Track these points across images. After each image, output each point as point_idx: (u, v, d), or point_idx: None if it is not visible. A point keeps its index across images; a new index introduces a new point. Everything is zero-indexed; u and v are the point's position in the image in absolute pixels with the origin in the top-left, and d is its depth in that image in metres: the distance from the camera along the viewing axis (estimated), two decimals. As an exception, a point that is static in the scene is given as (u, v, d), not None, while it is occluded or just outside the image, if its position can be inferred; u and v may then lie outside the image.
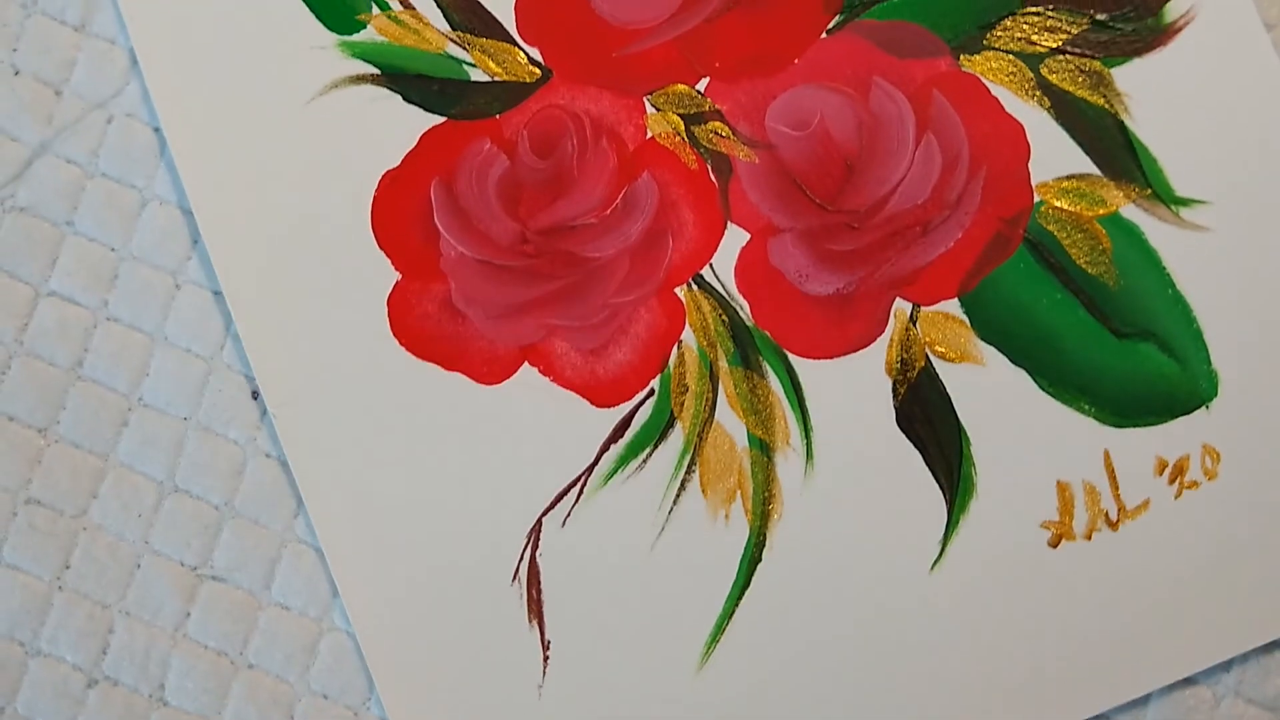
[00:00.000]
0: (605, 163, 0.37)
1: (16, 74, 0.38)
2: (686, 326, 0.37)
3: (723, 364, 0.37)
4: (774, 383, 0.37)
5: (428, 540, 0.37)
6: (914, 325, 0.37)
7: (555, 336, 0.37)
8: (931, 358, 0.37)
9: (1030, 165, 0.37)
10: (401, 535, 0.37)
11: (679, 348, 0.37)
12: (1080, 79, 0.37)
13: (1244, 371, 0.36)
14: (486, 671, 0.36)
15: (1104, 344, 0.37)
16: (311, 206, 0.37)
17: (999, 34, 0.37)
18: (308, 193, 0.37)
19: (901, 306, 0.37)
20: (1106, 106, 0.37)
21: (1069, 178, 0.37)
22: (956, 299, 0.37)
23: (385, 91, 0.38)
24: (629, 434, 0.37)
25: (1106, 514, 0.36)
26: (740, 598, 0.36)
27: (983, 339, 0.37)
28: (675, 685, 0.36)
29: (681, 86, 0.38)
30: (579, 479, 0.37)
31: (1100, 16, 0.37)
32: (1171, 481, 0.36)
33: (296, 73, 0.38)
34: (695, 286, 0.37)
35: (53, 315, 0.38)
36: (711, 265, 0.37)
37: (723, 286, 0.37)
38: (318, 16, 0.38)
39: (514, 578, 0.37)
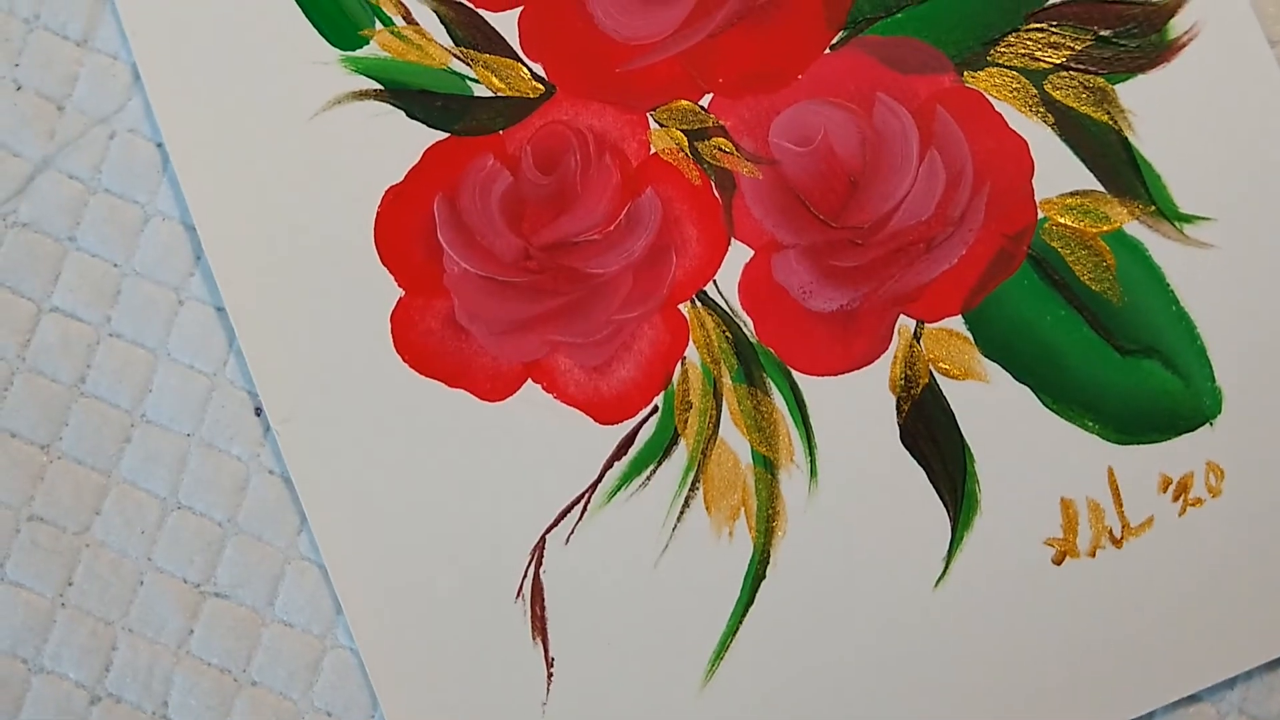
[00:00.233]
0: (608, 179, 0.37)
1: (19, 89, 0.38)
2: (690, 343, 0.37)
3: (726, 381, 0.37)
4: (778, 399, 0.37)
5: (431, 557, 0.36)
6: (918, 342, 0.37)
7: (558, 353, 0.37)
8: (935, 374, 0.37)
9: (1034, 181, 0.37)
10: (405, 552, 0.37)
11: (683, 364, 0.37)
12: (1084, 95, 0.37)
13: (1248, 388, 0.36)
14: (490, 689, 0.36)
15: (1108, 361, 0.37)
16: (314, 222, 0.37)
17: (1003, 50, 0.37)
18: (310, 209, 0.37)
19: (905, 323, 0.37)
20: (1110, 123, 0.37)
21: (1073, 194, 0.37)
22: (960, 316, 0.37)
23: (388, 107, 0.37)
24: (632, 451, 0.37)
25: (1110, 531, 0.36)
26: (744, 615, 0.36)
27: (986, 356, 0.37)
28: (679, 703, 0.36)
29: (685, 102, 0.38)
30: (582, 496, 0.37)
31: (1104, 33, 0.37)
32: (1175, 499, 0.36)
33: (299, 88, 0.37)
34: (699, 303, 0.37)
35: (55, 331, 0.38)
36: (715, 281, 0.37)
37: (726, 303, 0.37)
38: (320, 32, 0.38)
39: (517, 595, 0.37)
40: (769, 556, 0.37)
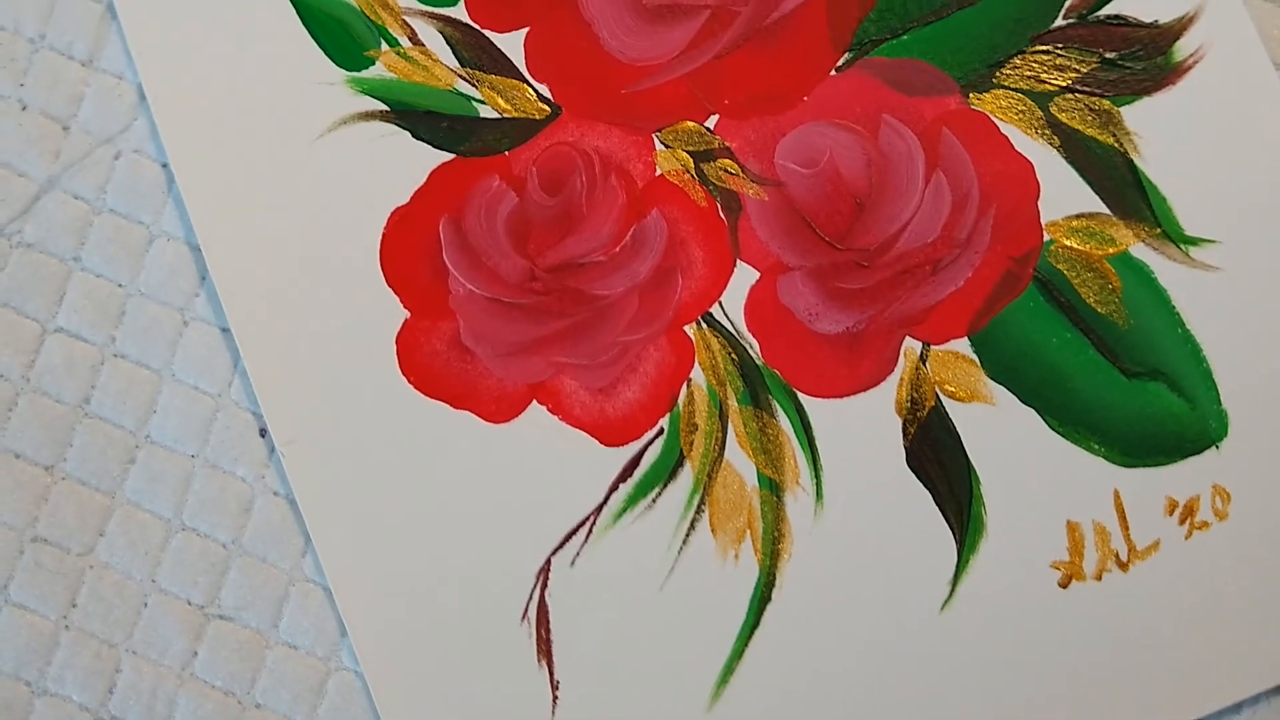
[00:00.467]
0: (614, 200, 0.37)
1: (24, 109, 0.38)
2: (696, 365, 0.37)
3: (732, 403, 0.37)
4: (784, 422, 0.37)
5: (436, 579, 0.36)
6: (924, 364, 0.37)
7: (564, 375, 0.37)
8: (941, 397, 0.37)
9: (1040, 204, 0.37)
10: (410, 574, 0.36)
11: (688, 386, 0.37)
12: (1089, 117, 0.37)
13: (1254, 411, 0.36)
14: (495, 712, 0.36)
15: (1113, 383, 0.37)
16: (320, 243, 0.37)
17: (1008, 72, 0.37)
18: (316, 229, 0.37)
19: (911, 345, 0.37)
20: (1116, 145, 0.37)
21: (1078, 216, 0.37)
22: (966, 338, 0.37)
23: (394, 128, 0.37)
24: (638, 473, 0.37)
25: (1117, 554, 0.36)
26: (750, 637, 0.36)
27: (992, 378, 0.37)
28: (685, 726, 0.36)
29: (691, 124, 0.38)
30: (588, 518, 0.37)
31: (1109, 55, 0.37)
32: (1182, 522, 0.36)
33: (305, 109, 0.37)
34: (704, 325, 0.37)
35: (59, 352, 0.38)
36: (721, 303, 0.37)
37: (732, 325, 0.37)
38: (326, 53, 0.38)
39: (523, 617, 0.36)
40: (774, 579, 0.36)
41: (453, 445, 0.37)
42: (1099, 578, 0.36)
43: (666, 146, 0.37)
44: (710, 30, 0.37)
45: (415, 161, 0.37)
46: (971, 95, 0.37)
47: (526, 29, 0.38)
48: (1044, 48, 0.37)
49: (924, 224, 0.37)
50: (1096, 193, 0.37)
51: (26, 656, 0.37)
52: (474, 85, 0.38)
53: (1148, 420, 0.36)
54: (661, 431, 0.37)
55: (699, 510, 0.37)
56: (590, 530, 0.37)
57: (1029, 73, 0.37)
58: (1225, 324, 0.37)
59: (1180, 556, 0.36)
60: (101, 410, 0.38)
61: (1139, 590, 0.36)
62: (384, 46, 0.38)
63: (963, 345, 0.37)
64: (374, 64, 0.38)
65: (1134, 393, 0.37)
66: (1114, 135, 0.37)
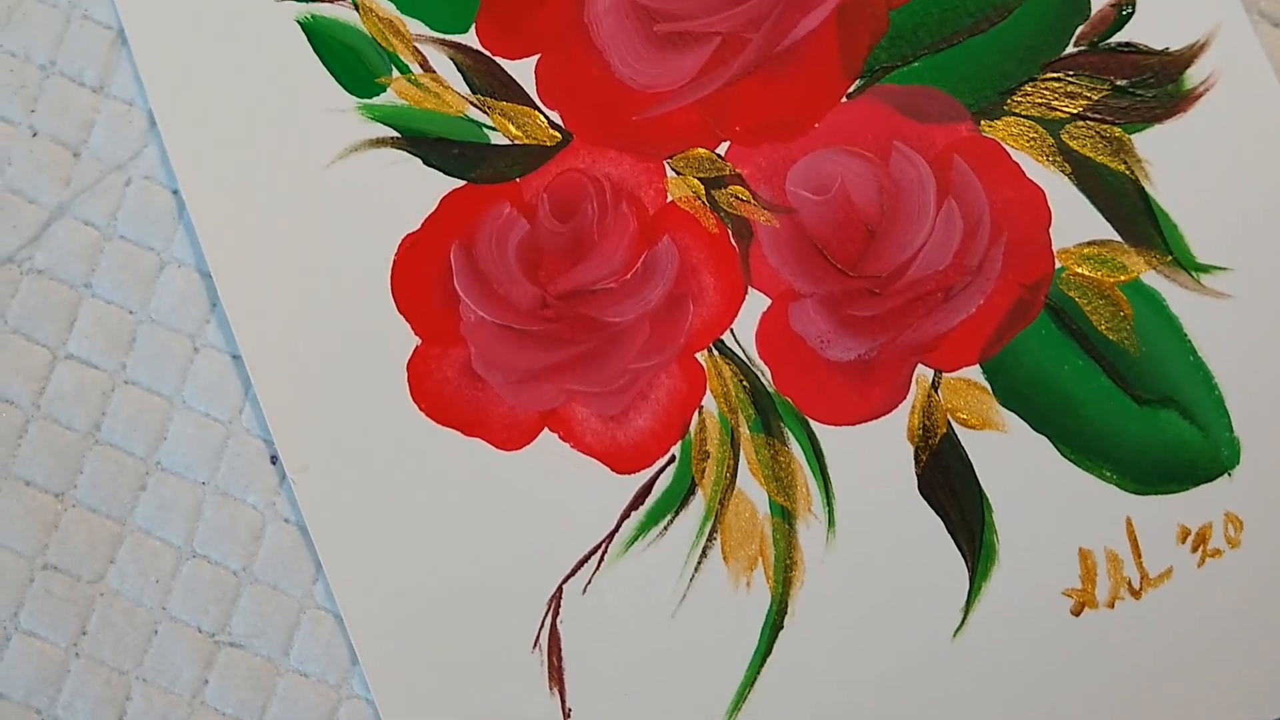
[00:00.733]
0: (625, 227, 0.37)
1: (35, 135, 0.38)
2: (707, 392, 0.37)
3: (744, 430, 0.37)
4: (795, 449, 0.37)
5: (448, 607, 0.36)
6: (936, 392, 0.37)
7: (575, 402, 0.37)
8: (953, 424, 0.37)
9: (1051, 231, 0.37)
10: (421, 601, 0.36)
11: (700, 414, 0.37)
12: (1101, 145, 0.37)
13: (1266, 439, 0.36)
14: (507, 740, 0.36)
15: (1125, 411, 0.37)
16: (331, 270, 0.37)
17: (1019, 99, 0.37)
18: (327, 256, 0.37)
19: (923, 373, 0.37)
20: (1127, 172, 0.37)
21: (1090, 244, 0.37)
22: (978, 365, 0.37)
23: (405, 155, 0.37)
24: (650, 501, 0.37)
25: (1129, 582, 0.36)
26: (762, 665, 0.36)
27: (1004, 405, 0.37)
28: (697, 755, 0.36)
29: (702, 150, 0.38)
30: (600, 546, 0.37)
31: (1121, 82, 0.37)
32: (1194, 549, 0.36)
33: (316, 136, 0.37)
34: (716, 352, 0.37)
35: (70, 378, 0.38)
36: (732, 330, 0.37)
37: (744, 352, 0.37)
38: (337, 79, 0.38)
39: (534, 645, 0.36)
40: (787, 607, 0.36)
41: (464, 473, 0.37)
42: (1111, 605, 0.36)
43: (677, 173, 0.37)
44: (721, 57, 0.37)
45: (426, 188, 0.37)
46: (983, 122, 0.37)
47: (537, 56, 0.38)
48: (1055, 75, 0.37)
49: (936, 251, 0.37)
50: (1108, 220, 0.37)
51: (37, 684, 0.37)
52: (485, 112, 0.38)
53: (1159, 448, 0.36)
54: (673, 459, 0.37)
55: (711, 538, 0.37)
56: (602, 558, 0.37)
57: (1040, 100, 0.37)
58: (1237, 351, 0.37)
59: (1193, 584, 0.36)
60: (112, 437, 0.38)
61: (1152, 618, 0.36)
62: (395, 73, 0.38)
63: (975, 373, 0.37)
64: (385, 90, 0.38)
65: (1146, 420, 0.37)
66: (1125, 163, 0.37)
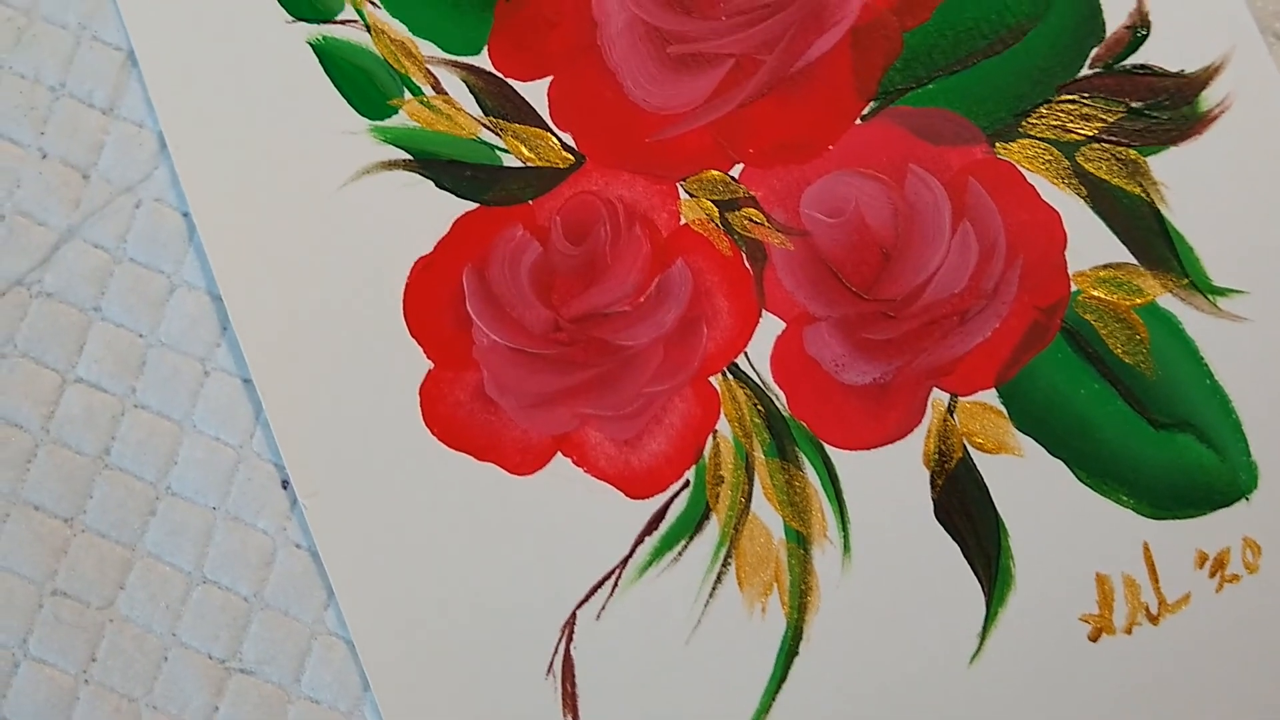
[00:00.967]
0: (639, 249, 0.37)
1: (44, 157, 0.38)
2: (721, 416, 0.37)
3: (759, 455, 0.37)
4: (811, 474, 0.36)
5: (460, 633, 0.36)
6: (951, 416, 0.36)
7: (589, 426, 0.37)
8: (969, 448, 0.36)
9: (1067, 254, 0.37)
10: (434, 627, 0.36)
11: (714, 438, 0.37)
12: (1116, 167, 0.37)
13: (1283, 463, 0.36)
14: (520, 768, 0.36)
15: (1142, 435, 0.36)
16: (342, 293, 0.37)
17: (1035, 121, 0.37)
18: (338, 279, 0.37)
19: (939, 397, 0.37)
20: (1142, 195, 0.37)
21: (1105, 267, 0.37)
22: (994, 389, 0.37)
23: (417, 177, 0.37)
24: (664, 526, 0.36)
25: (1147, 607, 0.36)
26: (777, 691, 0.36)
27: (1020, 429, 0.36)
28: (712, 782, 0.36)
29: (715, 172, 0.37)
30: (614, 571, 0.36)
31: (1136, 105, 0.37)
32: (1212, 575, 0.36)
33: (328, 158, 0.37)
34: (730, 375, 0.37)
35: (79, 403, 0.37)
36: (746, 354, 0.37)
37: (758, 376, 0.37)
38: (349, 101, 0.37)
39: (548, 671, 0.36)
40: (802, 633, 0.36)
41: (477, 497, 0.36)
42: (1129, 631, 0.36)
43: (691, 196, 0.37)
44: (734, 79, 0.37)
45: (438, 211, 0.37)
46: (998, 144, 0.37)
47: (550, 78, 0.38)
48: (1070, 97, 0.37)
49: (951, 274, 0.37)
50: (1124, 243, 0.37)
51: (46, 711, 0.37)
52: (497, 134, 0.37)
53: (1177, 472, 0.36)
54: (687, 484, 0.37)
55: (725, 563, 0.36)
56: (616, 583, 0.36)
57: (1055, 122, 0.37)
58: (1254, 375, 0.36)
59: (1211, 609, 0.36)
60: (122, 461, 0.37)
61: (1170, 644, 0.36)
62: (407, 95, 0.37)
63: (990, 396, 0.37)
64: (397, 113, 0.37)
65: (1163, 444, 0.36)
66: (1141, 185, 0.37)
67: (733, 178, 0.37)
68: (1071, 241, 0.37)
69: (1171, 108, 0.37)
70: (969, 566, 0.36)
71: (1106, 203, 0.37)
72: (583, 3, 0.38)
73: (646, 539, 0.36)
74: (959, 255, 0.37)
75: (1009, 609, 0.36)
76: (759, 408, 0.37)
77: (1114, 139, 0.37)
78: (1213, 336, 0.37)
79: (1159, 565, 0.36)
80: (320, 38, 0.38)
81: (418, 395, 0.37)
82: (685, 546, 0.36)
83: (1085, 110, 0.37)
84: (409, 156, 0.37)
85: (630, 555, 0.36)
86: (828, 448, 0.37)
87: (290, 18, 0.38)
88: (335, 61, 0.38)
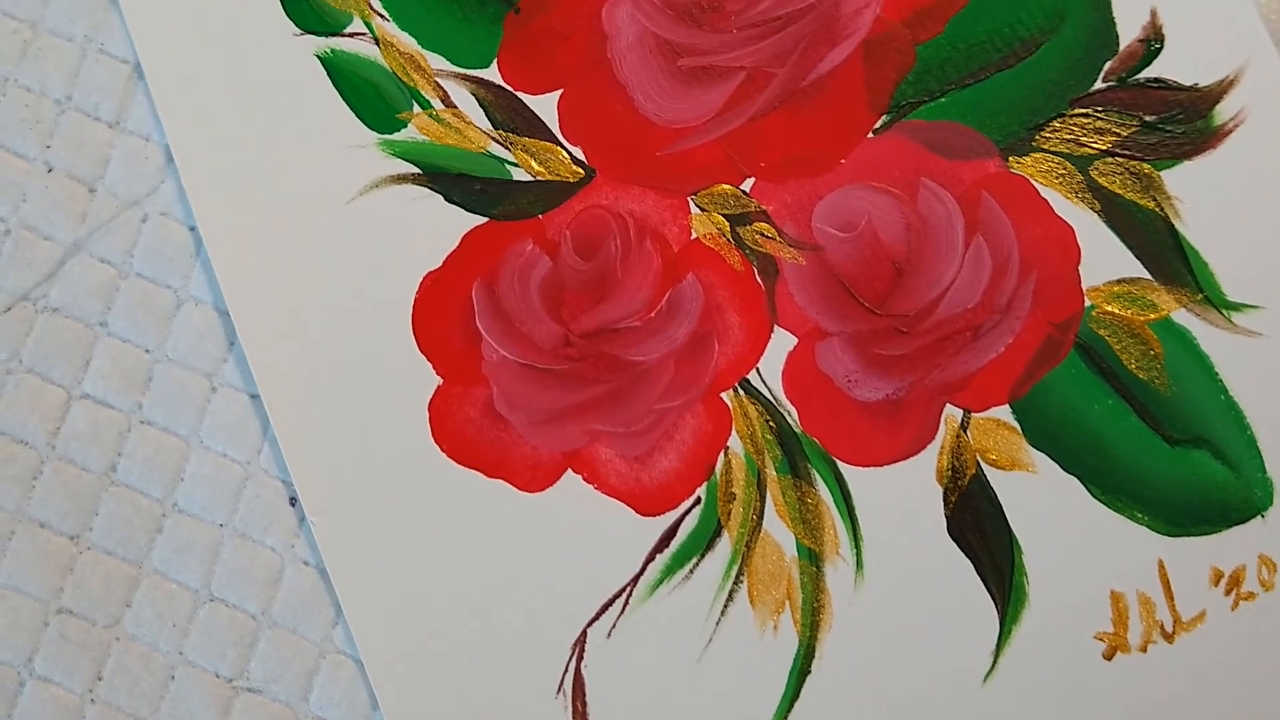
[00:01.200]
0: (649, 264, 0.37)
1: (50, 171, 0.38)
2: (733, 433, 0.36)
3: (770, 472, 0.36)
4: (823, 491, 0.36)
5: (470, 651, 0.36)
6: (965, 432, 0.36)
7: (599, 443, 0.36)
8: (983, 465, 0.36)
9: (1080, 269, 0.37)
10: (443, 646, 0.36)
11: (725, 455, 0.36)
12: (1130, 181, 0.37)
13: (1299, 480, 0.36)
14: (531, 788, 0.36)
15: (1156, 451, 0.36)
16: (351, 308, 0.37)
17: (1048, 135, 0.37)
18: (347, 294, 0.37)
19: (952, 413, 0.36)
20: (1156, 209, 0.37)
21: (1119, 282, 0.37)
22: (1008, 405, 0.36)
23: (426, 191, 0.37)
24: (675, 543, 0.36)
25: (1162, 625, 0.36)
26: (789, 710, 0.36)
27: (1034, 446, 0.36)
28: (724, 802, 0.36)
29: (726, 187, 0.37)
30: (624, 589, 0.36)
31: (1150, 118, 0.37)
32: (1227, 592, 0.36)
33: (336, 172, 0.37)
34: (742, 392, 0.37)
35: (85, 418, 0.37)
36: (758, 370, 0.37)
37: (770, 392, 0.37)
38: (358, 115, 0.37)
39: (559, 690, 0.36)
40: (814, 651, 0.36)
41: (486, 515, 0.36)
42: (1144, 649, 0.36)
43: (702, 210, 0.37)
44: (746, 92, 0.37)
45: (448, 225, 0.37)
46: (1011, 158, 0.37)
47: (560, 91, 0.37)
48: (1083, 111, 0.37)
49: (964, 289, 0.36)
50: (1138, 258, 0.37)
51: (51, 731, 0.36)
52: (507, 148, 0.37)
53: (1191, 489, 0.36)
54: (699, 501, 0.36)
55: (737, 581, 0.36)
56: (627, 601, 0.36)
57: (1069, 136, 0.37)
58: (1269, 391, 0.36)
59: (1226, 628, 0.36)
60: (128, 478, 0.37)
61: (1185, 662, 0.36)
62: (416, 109, 0.37)
63: (1004, 412, 0.36)
64: (406, 126, 0.37)
65: (1177, 461, 0.36)
66: (1155, 199, 0.37)
67: (744, 192, 0.37)
68: (1085, 256, 0.37)
69: (1185, 121, 0.37)
70: (982, 584, 0.36)
71: (1120, 217, 0.37)
72: (593, 15, 0.37)
73: (657, 556, 0.36)
74: (972, 270, 0.36)
75: (1023, 627, 0.36)
76: (771, 424, 0.36)
77: (1128, 153, 0.37)
78: (1227, 352, 0.36)
79: (1174, 583, 0.36)
80: (328, 50, 0.37)
81: (427, 411, 0.36)
82: (697, 564, 0.36)
83: (1099, 124, 0.37)
84: (418, 170, 0.37)
85: (641, 573, 0.36)
86: (840, 464, 0.36)
87: (298, 30, 0.38)
88: (343, 74, 0.37)
